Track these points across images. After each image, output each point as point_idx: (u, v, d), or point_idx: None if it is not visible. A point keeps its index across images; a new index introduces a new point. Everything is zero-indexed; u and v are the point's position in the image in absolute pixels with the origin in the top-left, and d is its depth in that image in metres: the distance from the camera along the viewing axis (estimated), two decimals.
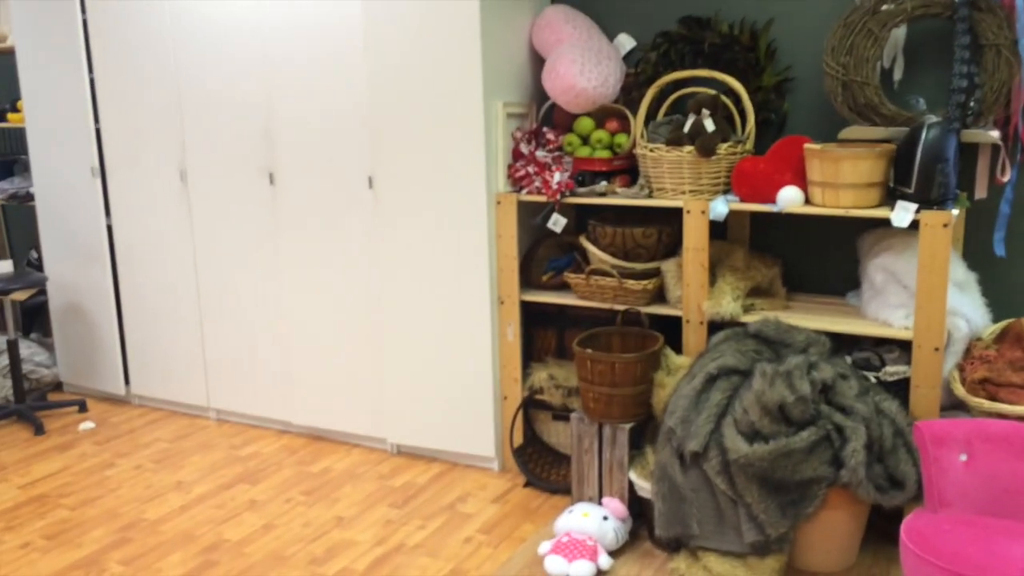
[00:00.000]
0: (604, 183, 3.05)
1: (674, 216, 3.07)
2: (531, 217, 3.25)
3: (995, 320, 2.76)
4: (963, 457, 2.22)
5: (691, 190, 2.87)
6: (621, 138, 3.15)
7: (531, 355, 3.33)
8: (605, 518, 2.64)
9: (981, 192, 2.80)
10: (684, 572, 2.47)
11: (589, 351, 2.76)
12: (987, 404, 2.39)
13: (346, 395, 3.50)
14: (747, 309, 2.84)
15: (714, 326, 2.84)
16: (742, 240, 3.14)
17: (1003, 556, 1.99)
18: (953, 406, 2.62)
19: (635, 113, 3.12)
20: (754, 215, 3.16)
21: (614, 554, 2.63)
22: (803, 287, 3.13)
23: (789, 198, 2.67)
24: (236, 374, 3.75)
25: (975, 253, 2.83)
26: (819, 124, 3.01)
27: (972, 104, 2.59)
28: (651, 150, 2.90)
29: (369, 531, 2.83)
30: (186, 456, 3.48)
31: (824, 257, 3.11)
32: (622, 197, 2.98)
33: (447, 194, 3.14)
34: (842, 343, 2.75)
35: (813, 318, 2.76)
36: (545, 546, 2.59)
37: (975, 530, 2.10)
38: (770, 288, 2.96)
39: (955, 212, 2.47)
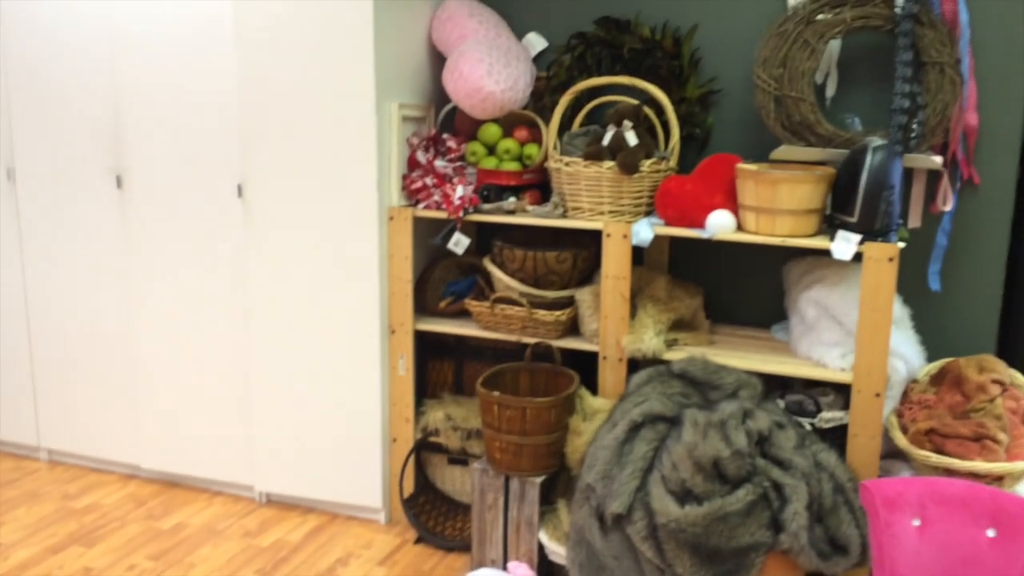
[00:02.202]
0: (513, 199, 2.70)
1: (588, 238, 2.75)
2: (428, 235, 2.86)
3: (930, 360, 2.57)
4: (916, 522, 1.99)
5: (611, 210, 2.56)
6: (531, 149, 2.81)
7: (425, 390, 2.94)
8: None
9: (915, 221, 2.61)
10: None
11: (496, 394, 2.40)
12: (935, 458, 2.17)
13: (207, 434, 3.00)
14: (670, 344, 2.55)
15: (634, 363, 2.53)
16: (661, 266, 2.86)
17: None
18: (889, 454, 2.41)
19: (547, 121, 2.79)
20: (673, 239, 2.88)
21: None
22: (724, 318, 2.88)
23: (721, 224, 2.40)
24: (73, 407, 3.18)
25: (907, 287, 2.64)
26: (746, 141, 2.76)
27: (915, 126, 2.39)
28: (567, 164, 2.57)
29: None
30: (8, 509, 2.90)
31: (747, 286, 2.86)
32: (534, 216, 2.64)
33: (331, 206, 2.71)
34: (772, 384, 2.50)
35: (741, 355, 2.50)
36: None
37: None
38: (692, 320, 2.69)
39: (900, 244, 2.25)
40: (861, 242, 2.25)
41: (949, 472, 2.15)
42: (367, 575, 2.54)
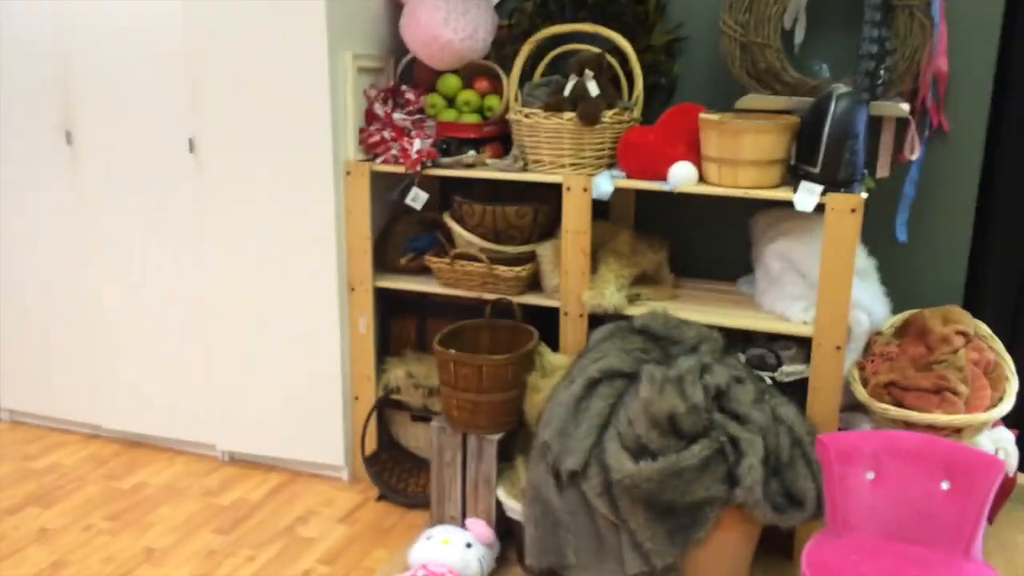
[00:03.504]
0: (472, 152, 2.63)
1: (551, 192, 2.69)
2: (387, 190, 2.80)
3: (895, 311, 2.53)
4: (870, 475, 1.97)
5: (571, 163, 2.49)
6: (492, 100, 2.73)
7: (387, 348, 2.89)
8: (468, 545, 2.27)
9: (883, 171, 2.56)
10: None
11: (452, 352, 2.36)
12: (893, 411, 2.15)
13: (168, 394, 2.96)
14: (632, 299, 2.51)
15: (596, 319, 2.49)
16: (626, 220, 2.80)
17: None
18: (851, 407, 2.38)
19: (508, 72, 2.70)
20: (639, 192, 2.82)
21: None
22: (691, 272, 2.83)
23: (682, 176, 2.34)
24: (32, 367, 3.13)
25: (874, 238, 2.59)
26: (712, 91, 2.69)
27: (882, 73, 2.32)
28: (526, 116, 2.50)
29: (185, 567, 2.34)
30: None
31: (713, 238, 2.81)
32: (493, 169, 2.57)
33: (286, 162, 2.64)
34: (735, 337, 2.46)
35: (704, 309, 2.46)
36: None
37: (885, 560, 1.85)
38: (656, 275, 2.64)
39: (864, 195, 2.20)
40: (824, 193, 2.20)
41: (908, 425, 2.13)
42: (327, 533, 2.52)
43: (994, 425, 2.32)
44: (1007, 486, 2.32)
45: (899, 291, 2.58)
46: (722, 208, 2.77)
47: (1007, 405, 2.12)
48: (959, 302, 2.57)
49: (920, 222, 2.56)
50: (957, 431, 2.11)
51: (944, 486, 1.90)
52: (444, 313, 2.83)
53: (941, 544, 1.88)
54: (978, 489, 1.85)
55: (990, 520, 2.45)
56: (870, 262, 2.51)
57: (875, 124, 2.52)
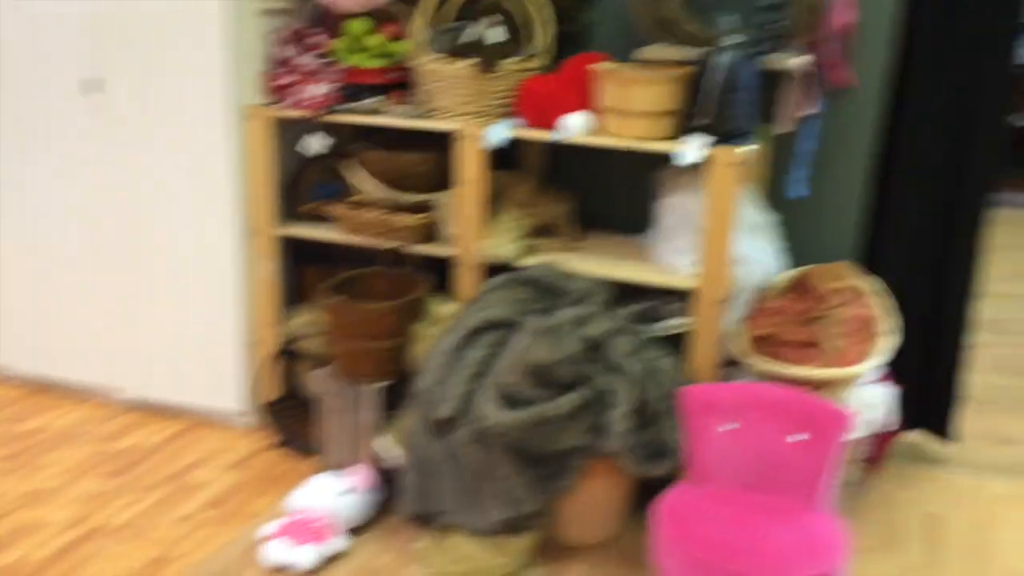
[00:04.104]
0: (376, 99, 2.59)
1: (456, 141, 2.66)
2: (295, 136, 2.76)
3: (795, 267, 2.52)
4: (729, 426, 1.97)
5: (472, 111, 2.46)
6: (402, 45, 2.68)
7: (298, 296, 2.88)
8: (347, 492, 2.27)
9: (785, 126, 2.52)
10: (426, 555, 2.14)
11: (336, 298, 2.34)
12: (762, 364, 2.14)
13: (73, 337, 2.94)
14: (529, 250, 2.49)
15: (494, 269, 2.47)
16: (534, 171, 2.77)
17: (763, 541, 1.76)
18: (735, 361, 2.38)
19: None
20: (548, 142, 2.78)
21: (357, 530, 2.27)
22: (602, 225, 2.80)
23: (573, 125, 2.31)
24: None
25: (776, 194, 2.57)
26: (626, 41, 2.63)
27: (779, 24, 2.28)
28: (427, 62, 2.46)
29: (67, 509, 2.35)
30: None
31: (624, 192, 2.78)
32: (394, 116, 2.53)
33: (186, 104, 2.59)
34: (628, 290, 2.44)
35: (598, 261, 2.44)
36: (270, 528, 2.19)
37: (734, 508, 1.86)
38: (558, 226, 2.62)
39: (746, 149, 2.17)
40: (709, 146, 2.17)
41: (777, 378, 2.12)
42: (217, 479, 2.52)
43: (882, 380, 2.32)
44: (884, 440, 2.33)
45: (799, 247, 2.57)
46: (632, 161, 2.74)
47: (876, 360, 2.12)
48: (855, 259, 2.56)
49: (821, 178, 2.54)
50: (827, 385, 2.11)
51: (798, 438, 1.91)
52: (354, 262, 2.80)
53: (792, 494, 1.89)
54: (826, 441, 1.86)
55: (872, 471, 2.48)
56: (766, 217, 2.49)
57: (776, 78, 2.48)
